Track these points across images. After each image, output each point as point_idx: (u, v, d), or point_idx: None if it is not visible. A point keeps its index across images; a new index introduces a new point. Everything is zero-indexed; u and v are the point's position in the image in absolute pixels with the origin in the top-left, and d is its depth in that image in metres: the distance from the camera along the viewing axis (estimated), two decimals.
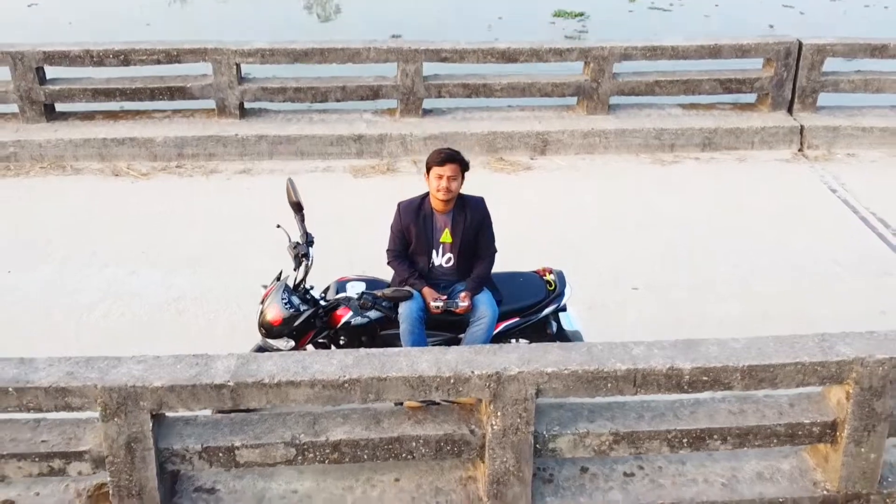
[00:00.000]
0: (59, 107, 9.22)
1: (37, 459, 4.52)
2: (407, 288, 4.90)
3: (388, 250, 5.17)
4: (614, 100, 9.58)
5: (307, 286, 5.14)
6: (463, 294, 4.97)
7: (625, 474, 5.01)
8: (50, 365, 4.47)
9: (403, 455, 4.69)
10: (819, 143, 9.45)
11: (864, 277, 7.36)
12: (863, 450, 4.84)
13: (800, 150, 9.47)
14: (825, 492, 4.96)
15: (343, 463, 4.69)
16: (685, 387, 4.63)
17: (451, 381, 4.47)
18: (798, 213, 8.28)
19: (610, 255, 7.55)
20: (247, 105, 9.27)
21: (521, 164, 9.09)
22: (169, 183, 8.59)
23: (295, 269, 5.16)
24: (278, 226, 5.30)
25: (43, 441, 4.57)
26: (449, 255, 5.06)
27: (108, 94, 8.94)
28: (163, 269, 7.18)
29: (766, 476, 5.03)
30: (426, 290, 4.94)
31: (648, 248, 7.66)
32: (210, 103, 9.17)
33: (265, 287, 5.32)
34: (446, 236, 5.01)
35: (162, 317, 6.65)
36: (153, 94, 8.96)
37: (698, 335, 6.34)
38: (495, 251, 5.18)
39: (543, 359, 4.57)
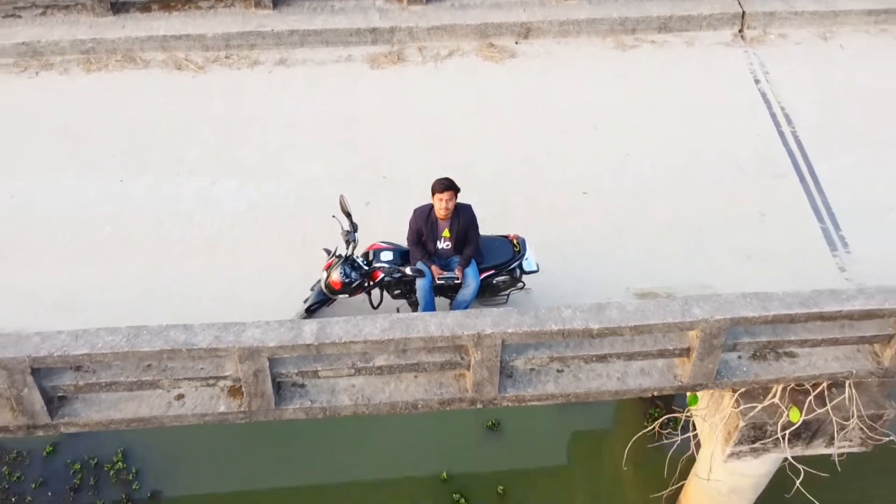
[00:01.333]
0: None
1: (199, 379, 7.51)
2: (419, 267, 7.52)
3: (407, 239, 7.70)
4: None
5: (354, 257, 7.74)
6: (457, 269, 7.61)
7: (557, 371, 8.03)
8: (203, 330, 7.26)
9: (420, 370, 7.68)
10: (756, 25, 11.32)
11: (757, 179, 9.84)
12: (704, 362, 7.81)
13: (740, 31, 11.36)
14: (680, 382, 8.02)
15: (383, 375, 7.70)
16: (594, 337, 7.48)
17: (450, 337, 7.32)
18: (720, 110, 10.50)
19: (568, 158, 9.94)
20: None
21: (507, 50, 11.07)
22: (222, 76, 10.68)
23: (347, 248, 7.71)
24: (333, 216, 7.80)
25: (201, 368, 7.52)
26: (448, 242, 7.61)
27: None
28: (235, 178, 9.63)
29: (646, 372, 8.05)
30: (434, 268, 7.58)
31: (598, 150, 10.04)
32: None
33: (327, 252, 7.91)
34: (446, 233, 7.54)
35: (242, 224, 9.22)
36: None
37: (623, 242, 9.08)
38: (478, 237, 7.71)
39: (507, 322, 7.36)
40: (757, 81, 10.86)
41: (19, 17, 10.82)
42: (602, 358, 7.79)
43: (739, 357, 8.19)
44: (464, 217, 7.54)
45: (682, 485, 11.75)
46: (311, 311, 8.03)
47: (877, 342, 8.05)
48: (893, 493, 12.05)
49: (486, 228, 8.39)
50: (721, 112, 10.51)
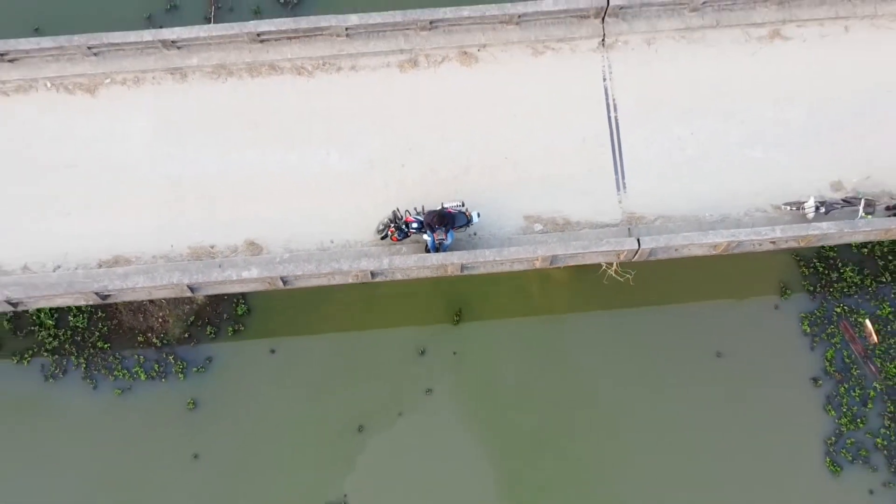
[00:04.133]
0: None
1: (340, 274, 19.08)
2: (429, 236, 18.52)
3: (424, 222, 18.53)
4: None
5: (404, 224, 18.68)
6: (444, 234, 18.62)
7: (483, 264, 19.51)
8: (344, 260, 18.64)
9: (429, 270, 19.24)
10: (610, 35, 20.34)
11: (591, 148, 20.12)
12: (544, 260, 19.31)
13: (602, 41, 20.44)
14: (534, 266, 19.57)
15: (416, 270, 19.26)
16: (498, 259, 18.88)
17: (439, 266, 18.77)
18: (581, 101, 20.19)
19: (500, 135, 20.06)
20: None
21: (473, 56, 20.33)
22: (321, 78, 20.18)
23: (396, 219, 18.59)
24: (395, 210, 18.60)
25: (340, 270, 19.02)
26: (440, 226, 18.54)
27: None
28: (338, 150, 19.92)
29: (521, 264, 19.50)
30: (436, 234, 18.56)
31: (515, 130, 20.04)
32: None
33: (390, 221, 18.80)
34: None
35: (345, 179, 19.80)
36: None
37: (521, 186, 20.06)
38: (454, 222, 18.52)
39: (463, 257, 18.71)
40: (604, 79, 20.41)
41: (210, 44, 20.02)
42: (501, 263, 19.23)
43: (560, 257, 19.57)
44: (448, 217, 18.39)
45: None
46: (382, 238, 19.22)
47: (617, 258, 19.39)
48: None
49: (459, 181, 19.30)
50: (581, 102, 20.27)
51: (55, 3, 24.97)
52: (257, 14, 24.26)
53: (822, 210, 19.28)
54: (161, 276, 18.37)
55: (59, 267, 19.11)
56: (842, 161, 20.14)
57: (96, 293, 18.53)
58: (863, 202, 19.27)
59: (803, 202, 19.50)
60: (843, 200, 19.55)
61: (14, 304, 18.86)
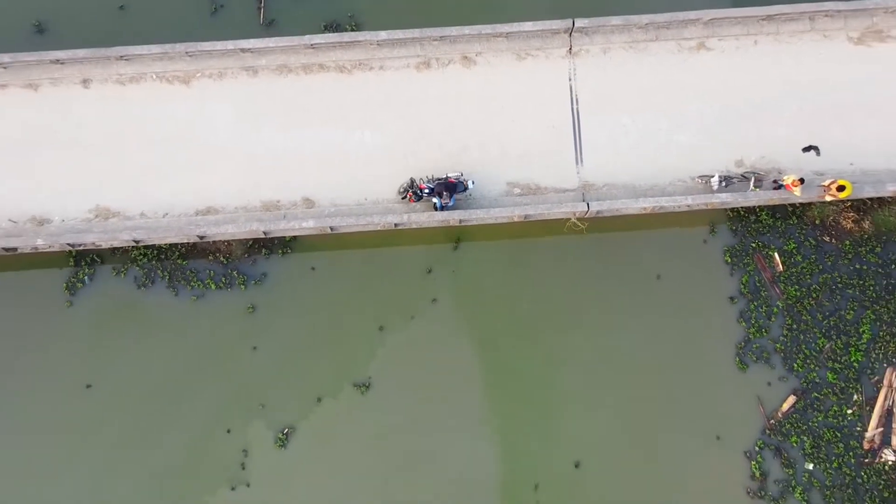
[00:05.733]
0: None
1: (372, 223, 26.36)
2: (437, 199, 25.69)
3: (434, 189, 25.64)
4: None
5: (418, 190, 25.79)
6: (448, 199, 25.78)
7: (477, 219, 26.76)
8: (376, 214, 25.88)
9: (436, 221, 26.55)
10: (575, 45, 26.96)
11: (558, 132, 27.04)
12: (526, 216, 26.60)
13: (569, 50, 27.05)
14: (513, 220, 26.85)
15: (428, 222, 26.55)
16: (486, 219, 26.11)
17: (444, 220, 26.03)
18: (552, 96, 26.96)
19: (492, 123, 26.94)
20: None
21: (472, 60, 26.99)
22: (357, 75, 26.92)
23: (412, 185, 25.66)
24: (412, 179, 25.69)
25: (371, 221, 26.30)
26: (446, 190, 25.69)
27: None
28: (370, 131, 26.84)
29: (503, 218, 26.78)
30: (443, 198, 25.75)
31: (502, 118, 26.90)
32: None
33: (408, 185, 25.88)
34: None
35: (375, 153, 26.78)
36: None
37: (504, 160, 27.33)
38: (455, 188, 25.62)
39: (461, 215, 25.95)
40: (570, 79, 27.12)
41: (275, 50, 26.61)
42: (488, 219, 26.43)
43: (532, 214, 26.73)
44: (451, 185, 25.48)
45: None
46: (402, 199, 26.39)
47: (573, 215, 26.55)
48: None
49: (460, 156, 26.37)
50: (552, 97, 27.04)
51: None
52: None
53: (724, 184, 26.36)
54: (244, 225, 25.63)
55: (167, 214, 26.33)
56: (744, 144, 27.08)
57: (197, 235, 25.81)
58: (753, 178, 26.31)
59: (710, 177, 26.56)
60: (741, 175, 26.61)
61: (137, 242, 26.16)
